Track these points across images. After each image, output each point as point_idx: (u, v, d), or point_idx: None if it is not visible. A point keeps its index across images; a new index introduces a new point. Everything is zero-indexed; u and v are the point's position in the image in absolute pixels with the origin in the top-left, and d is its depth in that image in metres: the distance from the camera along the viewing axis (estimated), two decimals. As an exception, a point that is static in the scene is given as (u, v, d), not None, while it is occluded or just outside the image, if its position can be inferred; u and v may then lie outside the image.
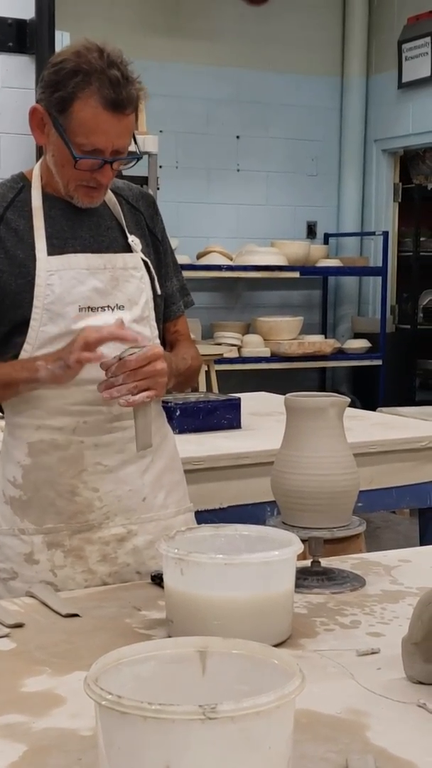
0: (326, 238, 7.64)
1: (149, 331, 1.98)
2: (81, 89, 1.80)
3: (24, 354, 1.89)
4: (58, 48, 5.41)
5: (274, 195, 7.46)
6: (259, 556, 1.60)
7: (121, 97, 1.81)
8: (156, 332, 2.01)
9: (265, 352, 6.81)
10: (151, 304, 1.99)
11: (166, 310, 2.09)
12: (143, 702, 1.03)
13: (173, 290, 2.11)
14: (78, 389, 1.90)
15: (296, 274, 7.00)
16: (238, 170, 7.30)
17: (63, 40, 5.68)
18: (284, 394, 1.98)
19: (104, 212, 1.98)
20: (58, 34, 5.45)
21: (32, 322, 1.88)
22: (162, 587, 1.71)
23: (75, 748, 1.26)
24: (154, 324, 2.01)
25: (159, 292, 2.02)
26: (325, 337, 7.28)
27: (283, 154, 7.44)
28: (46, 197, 1.94)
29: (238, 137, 7.26)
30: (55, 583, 1.94)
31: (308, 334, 7.12)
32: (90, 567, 1.98)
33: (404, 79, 7.13)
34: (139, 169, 5.30)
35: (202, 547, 1.71)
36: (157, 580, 1.87)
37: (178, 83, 6.94)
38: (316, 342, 6.93)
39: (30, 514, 1.96)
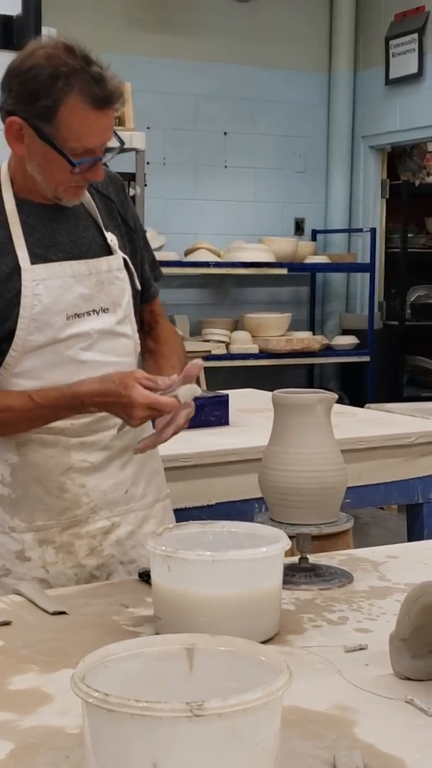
0: (314, 234, 7.64)
1: (130, 329, 1.99)
2: (65, 94, 1.74)
3: (9, 360, 1.87)
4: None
5: (261, 191, 7.46)
6: (246, 552, 1.60)
7: (107, 93, 1.76)
8: (136, 327, 2.02)
9: (253, 348, 6.80)
10: (132, 302, 1.99)
11: (145, 294, 2.08)
12: (130, 699, 1.02)
13: (147, 273, 2.10)
14: None
15: (284, 271, 7.00)
16: (226, 167, 7.29)
17: (49, 36, 5.67)
18: (272, 390, 1.98)
19: (79, 211, 1.94)
20: (44, 30, 5.42)
21: (18, 332, 1.85)
22: (149, 584, 1.71)
23: (62, 745, 1.26)
24: (134, 319, 2.01)
25: (138, 287, 2.01)
26: (313, 334, 7.28)
27: (271, 150, 7.44)
28: (20, 202, 1.89)
29: (225, 133, 7.25)
30: (47, 580, 1.95)
31: (296, 330, 7.12)
32: (80, 561, 1.99)
33: (391, 76, 7.13)
34: (126, 166, 5.29)
35: (190, 544, 1.71)
36: (145, 577, 1.87)
37: (165, 79, 6.93)
38: (304, 338, 6.93)
39: (20, 512, 1.96)
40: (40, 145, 1.79)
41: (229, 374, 6.63)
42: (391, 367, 7.29)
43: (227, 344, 6.83)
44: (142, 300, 2.07)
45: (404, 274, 7.39)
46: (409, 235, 7.58)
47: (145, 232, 2.13)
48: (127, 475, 2.02)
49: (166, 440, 1.91)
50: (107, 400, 1.83)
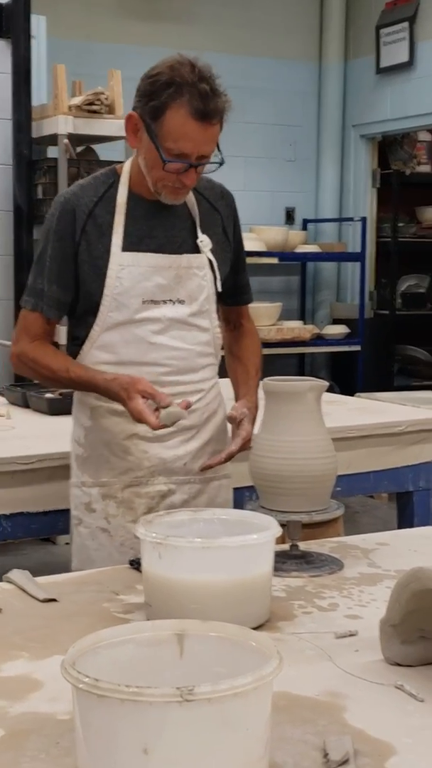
0: (305, 223, 7.63)
1: (208, 323, 2.21)
2: (173, 100, 1.98)
3: (93, 333, 2.14)
4: (33, 32, 5.37)
5: (252, 180, 7.44)
6: (237, 539, 1.60)
7: (209, 109, 1.99)
8: (215, 323, 2.23)
9: (244, 338, 6.79)
10: (212, 299, 2.21)
11: (242, 297, 2.36)
12: (120, 685, 1.03)
13: (246, 281, 2.36)
14: (135, 368, 2.12)
15: (275, 260, 6.98)
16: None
17: (39, 24, 5.64)
18: (264, 378, 1.98)
19: (182, 213, 2.17)
20: (34, 18, 5.40)
21: (101, 308, 2.12)
22: (140, 571, 1.71)
23: (53, 731, 1.26)
24: (215, 316, 2.23)
25: (220, 289, 2.21)
26: (304, 323, 7.28)
27: (262, 139, 7.42)
28: (132, 196, 2.14)
29: (216, 122, 7.24)
30: (108, 530, 2.20)
31: (287, 320, 7.11)
32: (138, 517, 2.10)
33: (382, 65, 7.11)
34: (116, 155, 5.28)
35: (181, 531, 1.71)
36: (135, 564, 1.87)
37: (155, 68, 6.91)
38: (295, 328, 6.93)
39: (89, 469, 2.22)
40: (147, 140, 2.03)
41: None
42: (381, 356, 7.29)
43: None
44: (235, 302, 2.34)
45: (395, 263, 7.39)
46: (400, 225, 7.57)
47: (244, 249, 2.35)
48: (188, 450, 2.22)
49: (222, 462, 2.21)
50: (114, 398, 2.09)
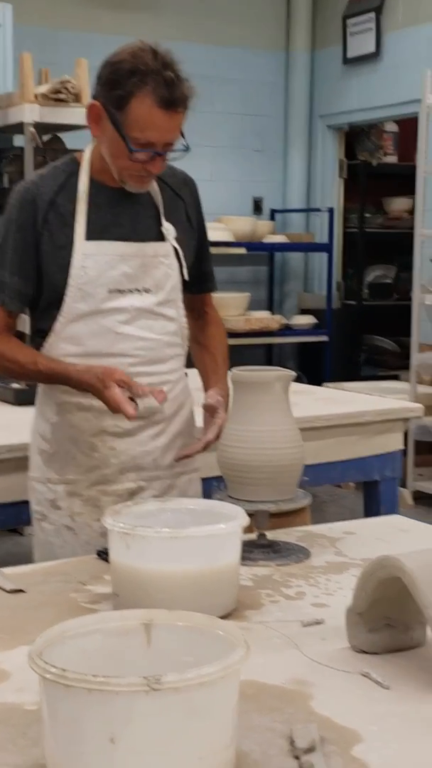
0: (272, 214, 7.63)
1: (175, 312, 2.18)
2: (138, 88, 1.94)
3: (58, 325, 2.09)
4: (-1, 19, 5.33)
5: (219, 170, 7.43)
6: (204, 529, 1.61)
7: (175, 97, 1.97)
8: (182, 312, 2.20)
9: (212, 328, 6.79)
10: (178, 288, 2.18)
11: (206, 285, 2.33)
12: (87, 675, 1.03)
13: (210, 269, 2.33)
14: (103, 361, 2.08)
15: (243, 250, 6.98)
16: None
17: (5, 12, 5.59)
18: (232, 368, 1.99)
19: (145, 201, 2.13)
20: (0, 5, 5.37)
21: (66, 299, 2.08)
22: (108, 562, 1.71)
23: (20, 722, 1.26)
24: (181, 305, 2.19)
25: (186, 277, 2.18)
26: (272, 314, 7.29)
27: (229, 129, 7.41)
28: (94, 184, 2.10)
29: (183, 112, 7.22)
30: (73, 528, 2.16)
31: (255, 310, 7.12)
32: None
33: (349, 55, 7.12)
34: (82, 143, 5.25)
35: (148, 521, 1.71)
36: (103, 555, 1.87)
37: (122, 57, 6.87)
38: (263, 318, 6.94)
39: (55, 465, 2.18)
40: (110, 129, 2.00)
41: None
42: (348, 346, 7.32)
43: (186, 324, 6.82)
44: (199, 290, 2.29)
45: (362, 254, 7.41)
46: (367, 215, 7.59)
47: (207, 238, 2.32)
48: (157, 445, 2.19)
49: (200, 452, 2.16)
50: (88, 390, 2.05)
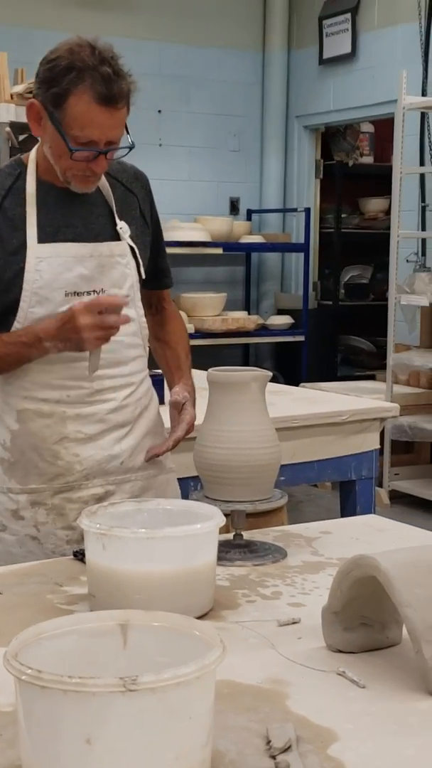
0: (249, 214, 7.65)
1: (134, 312, 2.11)
2: (75, 85, 1.89)
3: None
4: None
5: (196, 170, 7.44)
6: (181, 529, 1.61)
7: (113, 93, 1.91)
8: (141, 311, 2.14)
9: (189, 328, 6.78)
10: (136, 287, 2.12)
11: (163, 280, 2.29)
12: (63, 676, 1.03)
13: (166, 264, 2.28)
14: (63, 366, 2.04)
15: (219, 251, 7.00)
16: (161, 145, 7.26)
17: (-20, 11, 5.59)
18: (208, 369, 1.99)
19: (97, 199, 2.08)
20: (-25, 4, 5.36)
21: (21, 304, 2.00)
22: (84, 563, 1.71)
23: (-4, 724, 1.25)
24: (140, 305, 2.14)
25: (143, 276, 2.13)
26: (249, 314, 7.30)
27: (206, 129, 7.42)
28: (42, 184, 2.04)
29: (159, 111, 7.22)
30: (38, 538, 2.10)
31: (231, 310, 7.13)
32: (70, 523, 2.09)
33: (325, 56, 7.14)
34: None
35: (125, 522, 1.71)
36: (80, 556, 1.87)
37: (98, 56, 6.85)
38: (240, 318, 6.95)
39: (16, 475, 2.10)
40: (51, 128, 1.95)
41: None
42: (325, 346, 7.34)
43: (162, 324, 6.82)
44: (156, 286, 2.25)
45: (338, 254, 7.44)
46: (343, 216, 7.62)
47: (162, 233, 2.28)
48: (123, 448, 2.13)
49: (169, 449, 2.16)
50: (57, 326, 1.96)
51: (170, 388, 2.23)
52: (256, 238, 7.29)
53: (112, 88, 1.91)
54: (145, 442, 2.17)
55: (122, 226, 2.09)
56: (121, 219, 2.10)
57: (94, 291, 2.04)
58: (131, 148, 2.04)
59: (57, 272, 2.01)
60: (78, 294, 2.02)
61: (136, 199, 2.15)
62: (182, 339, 2.32)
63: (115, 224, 2.09)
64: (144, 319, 2.15)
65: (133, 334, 2.12)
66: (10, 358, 2.02)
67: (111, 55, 1.93)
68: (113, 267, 2.07)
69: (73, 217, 2.05)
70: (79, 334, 1.93)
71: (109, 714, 1.02)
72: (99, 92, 1.89)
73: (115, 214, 2.09)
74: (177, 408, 2.15)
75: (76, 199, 2.04)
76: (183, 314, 6.82)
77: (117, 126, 1.97)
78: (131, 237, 2.10)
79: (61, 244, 2.02)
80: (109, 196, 2.10)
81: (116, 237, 2.09)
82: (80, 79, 1.89)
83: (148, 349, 2.21)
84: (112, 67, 1.92)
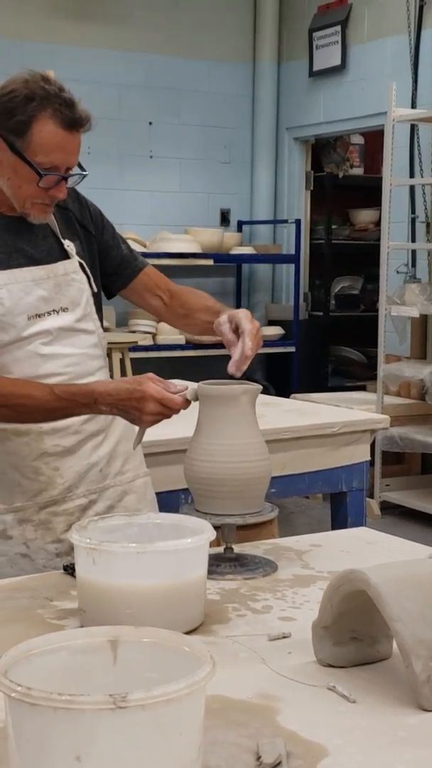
0: (240, 225, 7.67)
1: (92, 325, 2.15)
2: (39, 112, 1.93)
3: None
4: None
5: (187, 182, 7.46)
6: (171, 543, 1.61)
7: (78, 116, 1.96)
8: (98, 323, 2.17)
9: (180, 339, 6.81)
10: (91, 301, 2.16)
11: (134, 263, 2.27)
12: (53, 693, 1.02)
13: (123, 255, 2.26)
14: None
15: (210, 262, 7.01)
16: (151, 156, 7.27)
17: (-29, 23, 5.60)
18: (198, 381, 1.99)
19: (38, 223, 2.09)
20: (-35, 16, 5.37)
21: None
22: (74, 577, 1.71)
23: (-15, 741, 1.25)
24: (96, 317, 2.17)
25: (95, 290, 2.17)
26: (239, 324, 7.31)
27: (196, 140, 7.43)
28: None
29: (150, 123, 7.23)
30: (29, 555, 2.11)
31: (222, 321, 7.14)
32: (58, 537, 2.11)
33: (315, 68, 7.17)
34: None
35: (115, 536, 1.71)
36: (70, 570, 1.87)
37: (88, 68, 6.87)
38: (230, 329, 6.95)
39: (1, 495, 2.11)
40: (11, 158, 1.97)
41: (155, 365, 6.62)
42: (316, 357, 7.35)
43: (154, 335, 6.83)
44: (132, 273, 2.26)
45: (328, 265, 7.46)
46: (333, 227, 7.65)
47: (112, 226, 2.28)
48: (100, 455, 2.16)
49: (249, 358, 2.02)
50: (121, 397, 1.97)
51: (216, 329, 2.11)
52: (247, 250, 7.30)
53: (75, 113, 1.96)
54: (120, 448, 2.20)
55: (69, 245, 2.13)
56: (64, 238, 2.13)
57: (54, 311, 2.07)
58: (84, 175, 2.08)
59: (18, 297, 2.04)
60: (39, 316, 2.05)
61: (71, 213, 2.18)
62: (204, 298, 2.29)
63: (61, 244, 2.12)
64: (101, 331, 2.18)
65: (94, 346, 2.16)
66: (59, 413, 2.03)
67: (61, 85, 1.98)
68: (69, 285, 2.11)
69: (21, 242, 2.07)
70: (142, 415, 1.96)
71: (99, 731, 1.02)
72: (64, 116, 1.94)
73: (59, 235, 2.13)
74: (232, 324, 2.04)
75: (20, 224, 2.07)
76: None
77: (76, 151, 2.02)
78: (78, 253, 2.14)
79: (17, 270, 2.05)
80: (49, 218, 2.11)
81: (65, 256, 2.12)
82: (43, 107, 1.93)
83: (107, 360, 2.23)
84: (68, 93, 1.97)
